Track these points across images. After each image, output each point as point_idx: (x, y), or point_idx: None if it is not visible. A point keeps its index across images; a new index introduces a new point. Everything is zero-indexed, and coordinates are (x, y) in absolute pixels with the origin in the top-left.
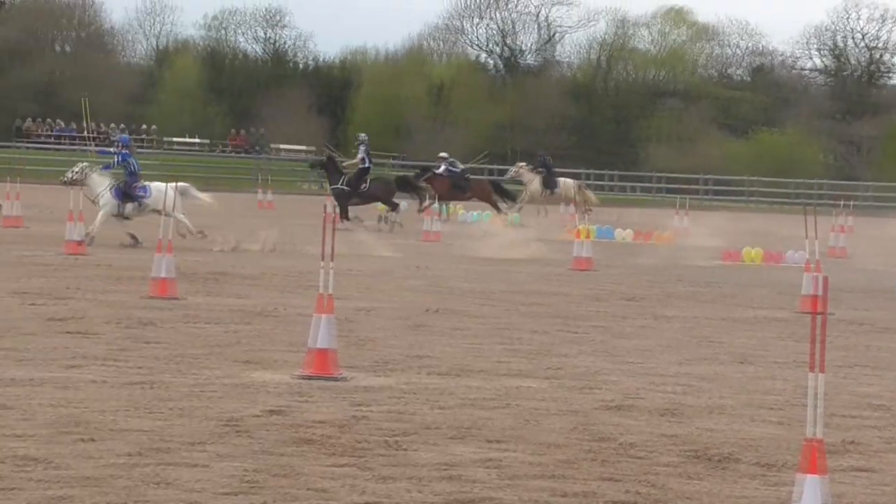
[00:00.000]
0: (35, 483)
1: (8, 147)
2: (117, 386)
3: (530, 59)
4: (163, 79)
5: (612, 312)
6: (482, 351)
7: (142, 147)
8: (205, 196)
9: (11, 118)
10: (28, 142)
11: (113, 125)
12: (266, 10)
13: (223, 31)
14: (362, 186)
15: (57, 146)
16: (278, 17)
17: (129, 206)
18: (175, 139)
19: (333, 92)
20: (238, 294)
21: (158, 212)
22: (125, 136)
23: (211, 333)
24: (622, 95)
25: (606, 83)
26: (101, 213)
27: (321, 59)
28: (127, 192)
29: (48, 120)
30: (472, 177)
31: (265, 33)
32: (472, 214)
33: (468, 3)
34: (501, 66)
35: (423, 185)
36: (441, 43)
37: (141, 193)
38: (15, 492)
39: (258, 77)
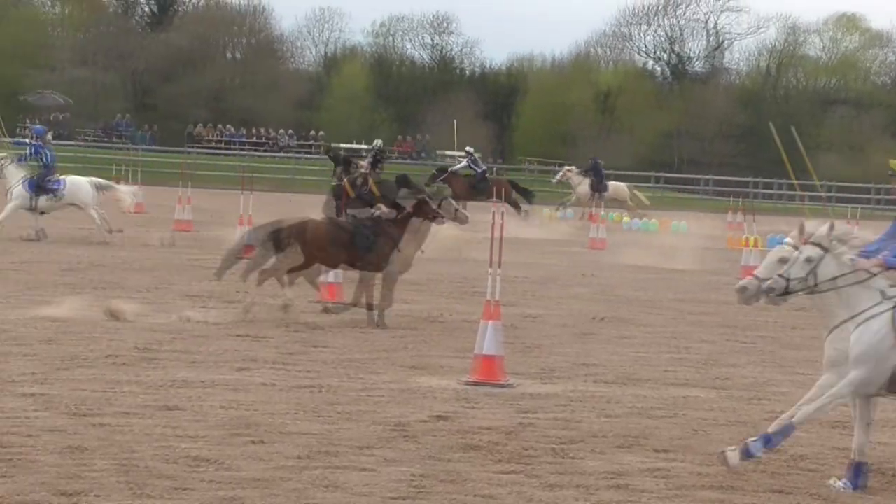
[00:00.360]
0: (207, 483)
1: (180, 152)
2: (286, 389)
3: (698, 67)
4: (331, 85)
5: (781, 322)
6: (649, 360)
7: (309, 153)
8: (126, 190)
9: (184, 124)
10: (199, 147)
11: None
12: (434, 16)
13: (391, 38)
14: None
15: (227, 151)
16: (445, 24)
17: (43, 199)
18: (342, 145)
19: (499, 99)
20: (404, 299)
21: (76, 206)
22: (39, 126)
23: (378, 338)
24: (792, 103)
25: (776, 90)
26: (9, 206)
27: (487, 66)
28: (40, 185)
29: (219, 126)
30: (491, 176)
31: (432, 40)
32: (636, 222)
33: (636, 10)
34: (668, 73)
35: (441, 184)
36: (608, 50)
37: (54, 186)
38: (188, 492)
39: (425, 83)
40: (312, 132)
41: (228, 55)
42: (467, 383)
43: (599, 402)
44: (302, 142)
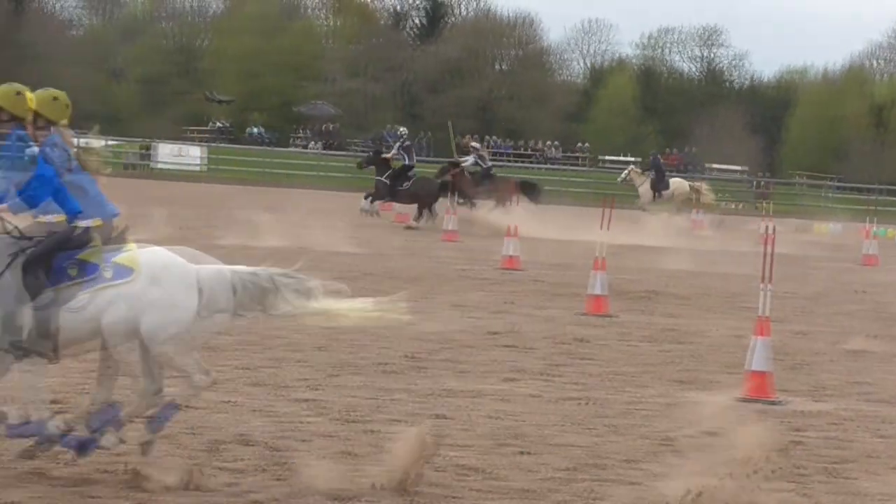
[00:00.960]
0: (474, 493)
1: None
2: (553, 401)
3: None
4: (597, 97)
5: None
6: None
7: (575, 165)
8: None
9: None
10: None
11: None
12: (703, 28)
13: (659, 50)
14: (403, 184)
15: (494, 163)
16: (714, 37)
17: None
18: (608, 158)
19: (769, 112)
20: (671, 313)
21: None
22: None
23: (644, 352)
24: None
25: None
26: None
27: (757, 79)
28: None
29: (485, 137)
30: (498, 175)
31: (701, 52)
32: None
33: None
34: None
35: (449, 178)
36: (884, 62)
37: None
38: (456, 500)
39: (692, 96)
40: (578, 144)
41: (496, 66)
42: (736, 399)
43: (873, 422)
44: (568, 153)
